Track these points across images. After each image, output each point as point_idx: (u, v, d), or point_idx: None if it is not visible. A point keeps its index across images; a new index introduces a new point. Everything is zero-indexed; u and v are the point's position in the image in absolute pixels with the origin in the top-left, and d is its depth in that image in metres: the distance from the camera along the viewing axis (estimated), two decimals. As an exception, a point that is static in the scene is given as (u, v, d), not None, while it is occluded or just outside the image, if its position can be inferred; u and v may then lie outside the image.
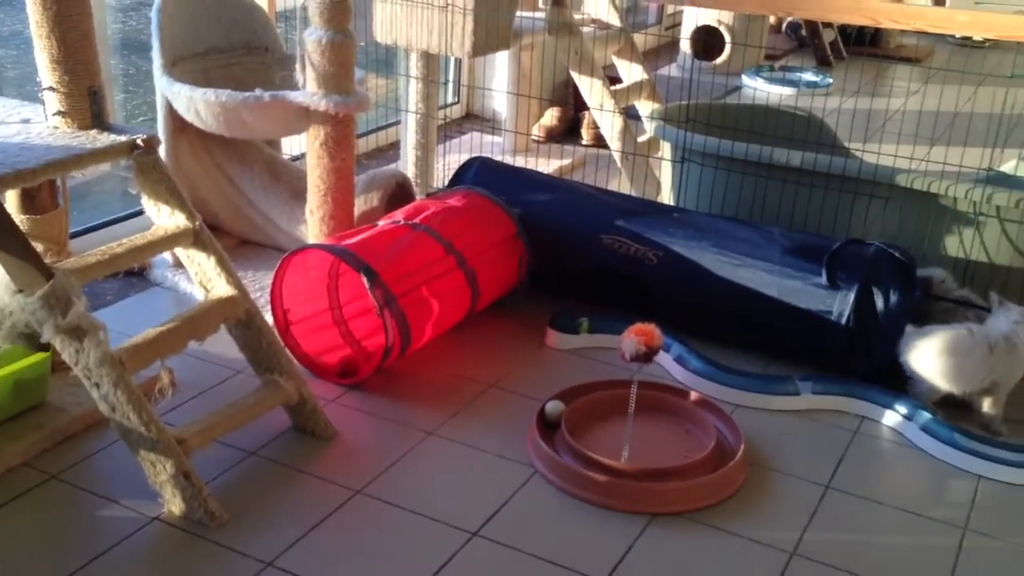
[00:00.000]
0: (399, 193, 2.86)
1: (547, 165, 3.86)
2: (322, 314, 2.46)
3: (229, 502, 1.93)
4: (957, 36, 6.23)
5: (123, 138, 2.02)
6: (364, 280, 2.22)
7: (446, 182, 3.03)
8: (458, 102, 4.68)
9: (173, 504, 1.88)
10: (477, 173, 2.93)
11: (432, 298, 2.39)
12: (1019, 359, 2.28)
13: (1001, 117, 2.74)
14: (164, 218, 2.08)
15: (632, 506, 1.99)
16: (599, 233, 2.70)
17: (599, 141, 4.02)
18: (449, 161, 3.74)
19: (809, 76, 5.60)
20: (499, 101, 4.43)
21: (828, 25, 6.10)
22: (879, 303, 2.39)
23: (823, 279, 2.43)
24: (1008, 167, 3.01)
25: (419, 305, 2.35)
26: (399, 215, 2.54)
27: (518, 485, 2.05)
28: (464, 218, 2.58)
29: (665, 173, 3.19)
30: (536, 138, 4.32)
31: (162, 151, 2.77)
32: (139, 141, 2.03)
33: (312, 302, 2.45)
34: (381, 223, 2.50)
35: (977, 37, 2.23)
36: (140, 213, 2.16)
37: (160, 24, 2.72)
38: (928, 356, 2.28)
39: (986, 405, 2.31)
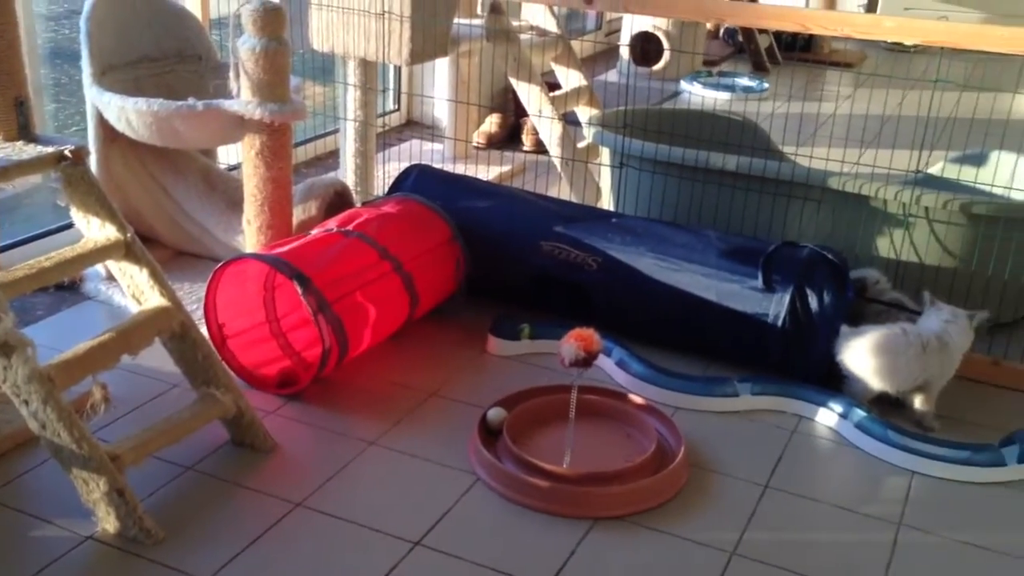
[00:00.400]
0: (338, 202, 2.84)
1: (488, 171, 3.87)
2: (259, 327, 2.43)
3: (166, 519, 1.89)
4: (888, 42, 6.38)
5: (50, 149, 1.98)
6: (297, 286, 2.20)
7: (386, 190, 3.02)
8: (398, 109, 4.67)
9: (107, 522, 1.84)
10: (416, 181, 2.93)
11: (368, 303, 2.37)
12: (950, 357, 2.34)
13: (928, 120, 2.81)
14: (94, 230, 2.04)
15: (574, 511, 2.00)
16: (539, 239, 2.71)
17: (540, 147, 4.04)
18: (389, 169, 3.72)
19: (745, 81, 5.69)
20: (440, 108, 4.43)
21: (763, 31, 6.20)
22: (813, 304, 2.43)
23: (759, 282, 2.47)
24: (936, 169, 3.09)
25: (355, 310, 2.33)
26: (332, 223, 2.52)
27: (460, 493, 2.05)
28: (398, 224, 2.57)
29: (605, 178, 3.22)
30: (477, 145, 4.32)
31: (93, 162, 2.73)
32: (67, 152, 1.99)
33: (249, 315, 2.42)
34: (314, 232, 2.49)
35: (907, 43, 2.29)
36: (72, 226, 2.11)
37: (88, 32, 2.67)
38: (863, 356, 2.33)
39: (919, 402, 2.37)
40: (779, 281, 2.46)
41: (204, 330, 2.43)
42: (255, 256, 2.35)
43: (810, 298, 2.43)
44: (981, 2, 6.96)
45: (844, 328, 2.38)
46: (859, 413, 2.30)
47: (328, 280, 2.29)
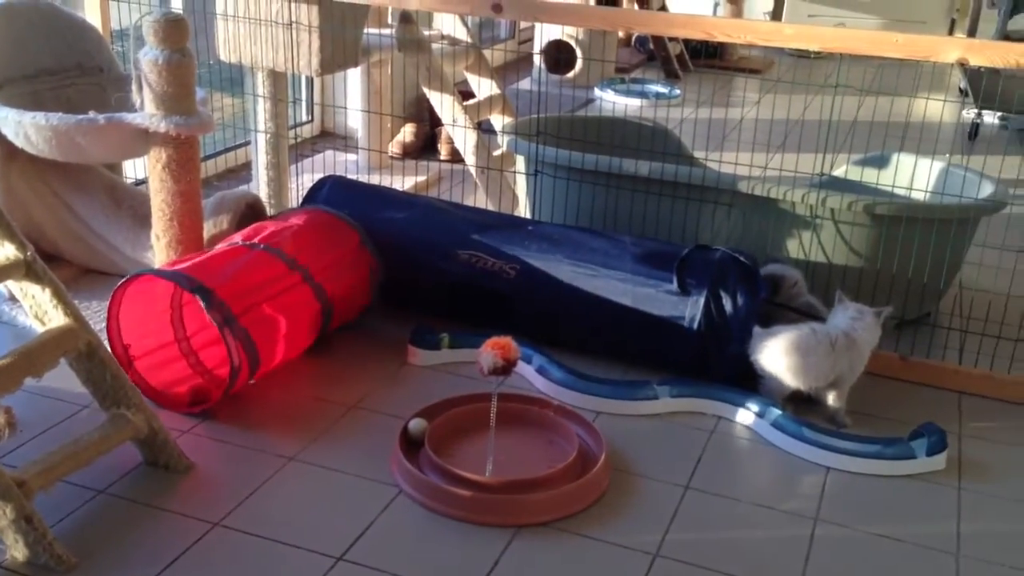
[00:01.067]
0: (250, 214, 2.79)
1: (404, 181, 3.85)
2: (168, 346, 2.37)
3: (78, 544, 1.83)
4: (792, 48, 6.56)
5: (-57, 166, 1.90)
6: (199, 300, 2.15)
7: (300, 202, 2.98)
8: (311, 120, 4.62)
9: (16, 550, 1.77)
10: (330, 192, 2.89)
11: (279, 315, 2.33)
12: (859, 354, 2.41)
13: (831, 124, 2.89)
14: (-7, 249, 1.96)
15: (498, 519, 1.99)
16: (455, 248, 2.71)
17: (456, 156, 4.04)
18: (304, 181, 3.67)
19: (658, 88, 5.78)
20: (354, 118, 4.40)
21: (674, 39, 6.32)
22: (727, 306, 2.47)
23: (674, 285, 2.51)
24: (840, 171, 3.18)
25: (264, 323, 2.29)
26: (237, 237, 2.48)
27: (383, 506, 2.03)
28: (306, 234, 2.54)
29: (520, 186, 3.23)
30: (393, 155, 4.30)
31: (-10, 179, 2.63)
32: (-39, 169, 1.91)
33: (156, 334, 2.36)
34: (219, 247, 2.44)
35: (810, 49, 2.36)
36: (-32, 245, 2.03)
37: (-17, 45, 2.58)
38: (775, 355, 2.38)
39: (831, 399, 2.43)
40: (693, 284, 2.50)
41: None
42: (156, 272, 2.29)
43: (724, 300, 2.48)
44: (879, 8, 7.22)
45: (756, 329, 2.43)
46: (775, 412, 2.35)
47: (233, 292, 2.24)
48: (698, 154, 3.39)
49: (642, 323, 2.54)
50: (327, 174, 3.06)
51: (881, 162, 3.16)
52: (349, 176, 3.18)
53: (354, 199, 2.84)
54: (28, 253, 1.97)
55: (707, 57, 6.63)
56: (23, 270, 1.97)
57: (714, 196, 2.84)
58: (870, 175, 3.13)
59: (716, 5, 7.22)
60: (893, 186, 2.90)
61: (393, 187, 3.19)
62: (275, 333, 2.33)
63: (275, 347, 2.34)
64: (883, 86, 5.50)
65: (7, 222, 1.97)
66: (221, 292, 2.20)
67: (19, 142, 2.53)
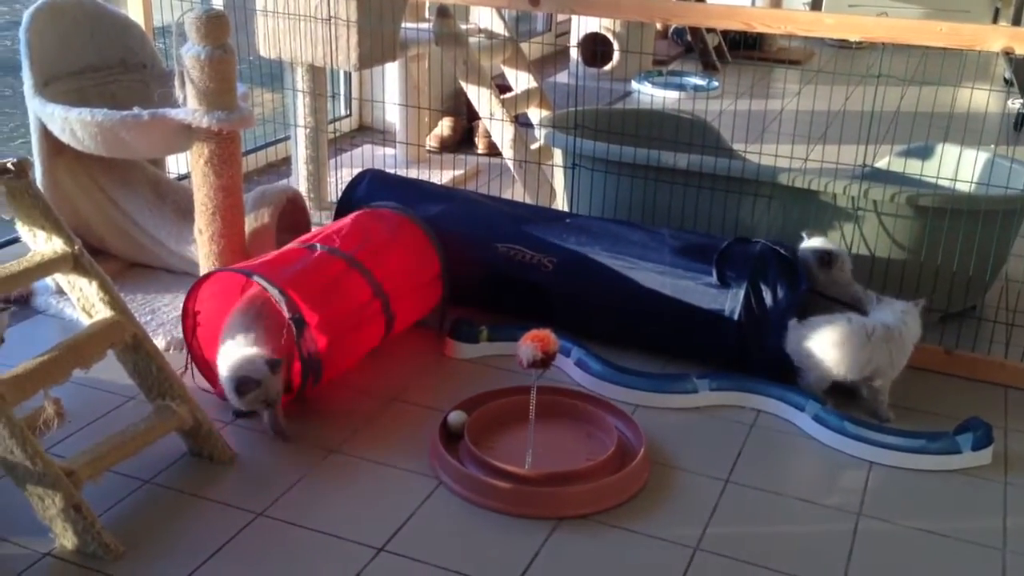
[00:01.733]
0: (290, 209, 2.82)
1: (442, 175, 3.86)
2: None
3: (125, 533, 1.86)
4: (833, 38, 6.47)
5: (-8, 162, 1.94)
6: (292, 328, 2.17)
7: (340, 196, 3.00)
8: (350, 115, 4.64)
9: (65, 538, 1.80)
10: (369, 186, 2.91)
11: (350, 343, 2.36)
12: (900, 347, 2.38)
13: (873, 115, 2.85)
14: (41, 243, 2.00)
15: (537, 512, 2.00)
16: (494, 242, 2.71)
17: (493, 150, 4.04)
18: (343, 175, 3.70)
19: (696, 80, 5.74)
20: (392, 112, 4.41)
21: (712, 30, 6.27)
22: (768, 299, 2.46)
23: (713, 278, 2.49)
24: (883, 163, 3.14)
25: (336, 351, 2.31)
26: (338, 241, 2.44)
27: (423, 498, 2.04)
28: (395, 258, 2.52)
29: (558, 179, 3.23)
30: (430, 148, 4.31)
31: (38, 174, 2.68)
32: (9, 165, 1.95)
33: (219, 318, 2.38)
34: (319, 247, 2.41)
35: (853, 39, 2.33)
36: (19, 239, 2.07)
37: (29, 43, 2.62)
38: (810, 347, 2.36)
39: (872, 393, 2.40)
40: (733, 277, 2.49)
41: (159, 341, 2.40)
42: (262, 276, 2.22)
43: (764, 293, 2.46)
44: (922, -2, 7.11)
45: (792, 322, 2.41)
46: (816, 406, 2.33)
47: (322, 321, 2.25)
48: (737, 146, 3.37)
49: (681, 316, 2.53)
50: (365, 168, 3.08)
51: (925, 153, 3.12)
52: (387, 170, 3.20)
53: (392, 193, 2.85)
54: (76, 247, 2.01)
55: (746, 48, 6.57)
56: (71, 263, 2.00)
57: (754, 188, 2.81)
58: (913, 166, 3.08)
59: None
60: (937, 177, 2.85)
61: (431, 181, 3.20)
62: (341, 359, 2.35)
63: (334, 369, 2.36)
64: (927, 76, 5.42)
65: (55, 217, 2.00)
66: (312, 321, 2.21)
67: (65, 138, 2.57)
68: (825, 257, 2.55)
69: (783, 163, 2.88)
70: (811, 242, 2.60)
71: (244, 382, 2.10)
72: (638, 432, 2.22)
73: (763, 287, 2.46)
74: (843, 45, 6.77)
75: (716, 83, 5.67)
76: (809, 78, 5.80)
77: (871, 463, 2.23)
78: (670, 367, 2.58)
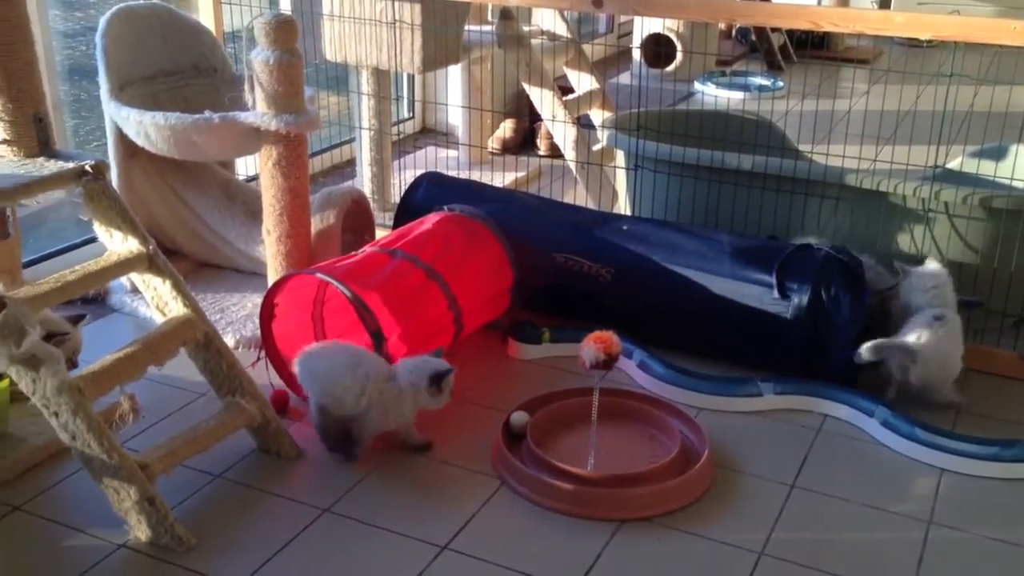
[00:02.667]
0: (355, 210, 2.85)
1: (504, 177, 3.88)
2: (303, 329, 2.44)
3: (196, 526, 1.91)
4: (902, 36, 6.35)
5: (71, 165, 2.00)
6: (372, 343, 2.19)
7: (399, 199, 3.02)
8: (413, 117, 4.69)
9: (139, 530, 1.85)
10: (427, 190, 2.93)
11: (420, 352, 2.37)
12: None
13: (945, 115, 2.79)
14: (117, 243, 2.06)
15: (600, 513, 2.00)
16: (551, 251, 2.70)
17: (555, 151, 4.04)
18: (406, 176, 3.73)
19: (760, 80, 5.68)
20: (454, 114, 4.45)
21: (777, 30, 6.19)
22: (831, 309, 2.41)
23: (774, 290, 2.45)
24: (954, 164, 3.07)
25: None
26: (418, 252, 2.45)
27: (486, 497, 2.05)
28: (473, 270, 2.54)
29: (620, 181, 3.22)
30: (493, 150, 4.33)
31: (113, 176, 2.76)
32: (87, 167, 2.01)
33: (295, 315, 2.42)
34: (400, 253, 2.42)
35: (923, 37, 2.28)
36: (95, 240, 2.13)
37: (104, 49, 2.69)
38: (945, 357, 2.36)
39: (945, 390, 2.37)
40: (794, 288, 2.44)
41: (229, 339, 2.45)
42: (343, 284, 2.24)
43: (827, 303, 2.41)
44: (994, -5, 6.94)
45: (909, 343, 2.35)
46: (885, 411, 2.29)
47: (400, 336, 2.27)
48: (803, 147, 3.32)
49: (742, 328, 2.50)
50: (428, 170, 3.10)
51: (998, 154, 3.04)
52: (450, 172, 3.22)
53: (449, 196, 2.85)
54: (150, 247, 2.06)
55: (812, 47, 6.47)
56: (146, 263, 2.06)
57: (820, 190, 2.77)
58: (987, 167, 3.01)
59: (821, -4, 7.03)
60: (1011, 178, 2.79)
61: (492, 183, 3.21)
62: None
63: None
64: (1000, 75, 5.29)
65: (131, 218, 2.06)
66: (391, 335, 2.24)
67: (140, 141, 2.64)
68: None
69: (851, 164, 2.83)
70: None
71: (441, 374, 2.11)
72: (701, 435, 2.21)
73: (826, 297, 2.41)
74: (913, 44, 6.63)
75: (781, 83, 5.61)
76: (878, 77, 5.70)
77: (942, 470, 2.18)
78: (732, 371, 2.55)
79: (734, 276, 2.52)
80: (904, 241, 2.72)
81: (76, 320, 2.17)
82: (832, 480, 2.15)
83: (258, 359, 2.36)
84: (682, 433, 2.23)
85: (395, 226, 2.81)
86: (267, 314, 2.34)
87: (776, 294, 2.45)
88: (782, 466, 2.19)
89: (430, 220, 2.64)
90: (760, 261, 2.52)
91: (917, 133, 3.01)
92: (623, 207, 3.21)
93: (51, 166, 2.00)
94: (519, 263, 2.67)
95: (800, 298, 2.43)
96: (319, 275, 2.29)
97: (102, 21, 2.73)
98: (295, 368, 2.17)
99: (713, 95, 5.45)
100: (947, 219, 2.66)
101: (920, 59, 6.19)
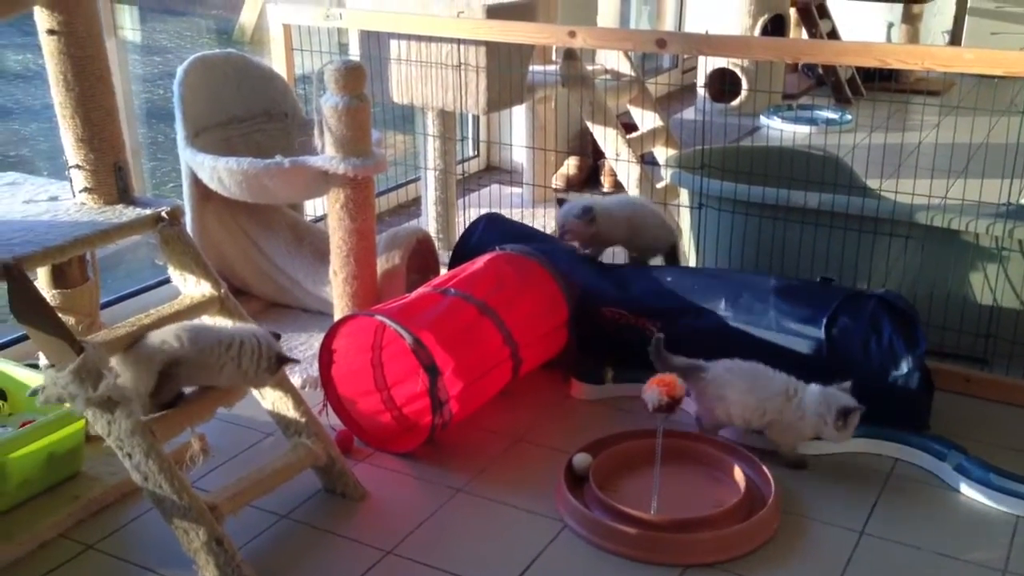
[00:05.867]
0: (420, 249, 2.90)
1: (568, 215, 3.89)
2: (364, 372, 2.47)
3: (263, 566, 1.94)
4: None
5: (148, 211, 2.07)
6: (427, 378, 2.22)
7: (456, 241, 3.04)
8: (478, 155, 4.74)
9: (207, 571, 1.88)
10: (483, 233, 2.95)
11: (479, 389, 2.39)
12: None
13: (1018, 148, 2.73)
14: (190, 287, 2.12)
15: (664, 558, 1.98)
16: (600, 305, 2.68)
17: (619, 188, 4.05)
18: (470, 215, 3.77)
19: (828, 114, 5.62)
20: (519, 152, 4.49)
21: (844, 62, 6.13)
22: (883, 360, 2.36)
23: (822, 340, 2.42)
24: (1029, 199, 3.00)
25: (466, 399, 2.34)
26: (471, 290, 2.47)
27: (548, 540, 2.05)
28: (527, 304, 2.55)
29: (684, 219, 3.21)
30: (556, 188, 4.36)
31: (188, 220, 2.84)
32: (163, 214, 2.08)
33: (356, 358, 2.46)
34: (453, 291, 2.45)
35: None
36: (169, 280, 2.20)
37: (182, 97, 2.79)
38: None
39: None
40: (842, 340, 2.40)
41: (296, 379, 2.50)
42: (396, 322, 2.27)
43: (878, 354, 2.36)
44: (1070, 24, 6.77)
45: None
46: (958, 456, 2.23)
47: (456, 370, 2.29)
48: (872, 183, 3.28)
49: (802, 375, 2.45)
50: (492, 208, 3.13)
51: (1075, 189, 2.96)
52: (514, 209, 3.24)
53: (505, 240, 2.87)
54: (222, 291, 2.12)
55: (881, 80, 6.38)
56: (217, 306, 2.12)
57: (889, 228, 2.73)
58: (1063, 203, 2.93)
59: (890, 26, 6.95)
60: (1089, 215, 2.71)
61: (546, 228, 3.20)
62: (469, 406, 2.39)
63: (465, 412, 2.40)
64: (1077, 105, 5.14)
65: (203, 262, 2.12)
66: (446, 369, 2.26)
67: (213, 185, 2.72)
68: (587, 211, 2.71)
69: (920, 200, 2.78)
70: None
71: (850, 410, 2.20)
72: (767, 478, 2.18)
73: (876, 348, 2.36)
74: (985, 75, 6.50)
75: (849, 116, 5.54)
76: (949, 109, 5.59)
77: (1018, 517, 2.12)
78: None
79: (781, 329, 2.48)
80: (977, 281, 2.66)
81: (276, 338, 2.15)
82: (903, 527, 2.10)
83: (323, 408, 2.39)
84: (747, 476, 2.20)
85: (450, 268, 2.84)
86: (326, 360, 2.38)
87: (825, 347, 2.40)
88: (851, 512, 2.14)
89: (482, 260, 2.67)
90: (809, 309, 2.47)
91: (990, 167, 2.95)
92: (687, 246, 3.20)
93: (129, 213, 2.07)
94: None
95: (848, 346, 2.38)
96: (372, 315, 2.32)
97: (180, 70, 2.83)
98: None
99: (779, 129, 5.41)
100: (1022, 258, 2.59)
101: (993, 91, 6.06)
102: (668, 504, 2.11)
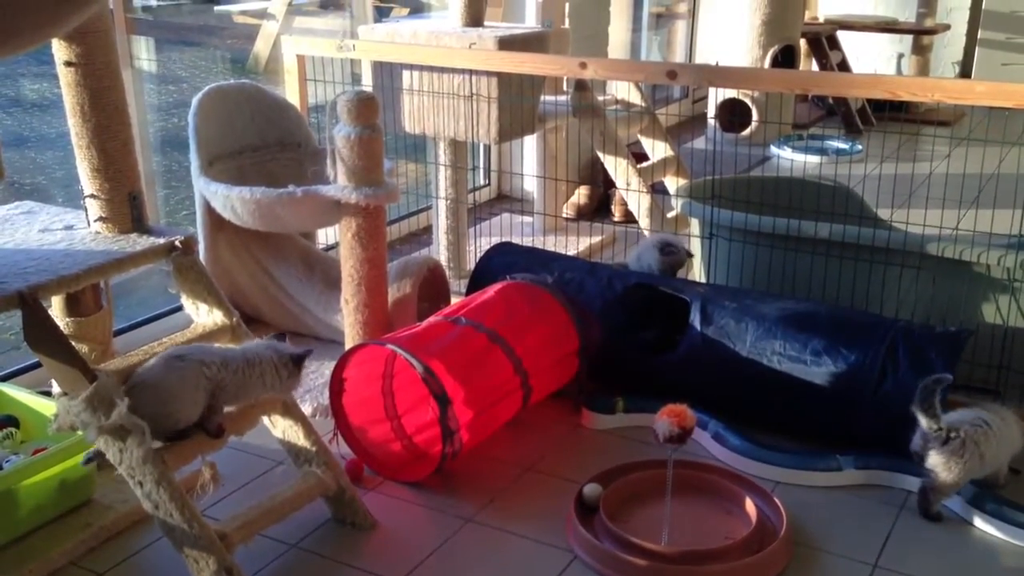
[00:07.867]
0: (431, 278, 2.91)
1: (578, 242, 3.91)
2: (374, 401, 2.48)
3: (270, 597, 1.94)
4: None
5: (161, 241, 2.09)
6: (437, 407, 2.23)
7: (472, 271, 3.05)
8: (489, 184, 4.76)
9: (216, 600, 1.89)
10: (497, 263, 2.95)
11: (489, 417, 2.39)
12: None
13: (1030, 181, 2.73)
14: (203, 315, 2.14)
15: (674, 590, 1.97)
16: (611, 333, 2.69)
17: (629, 217, 4.06)
18: (481, 244, 3.79)
19: (838, 144, 5.63)
20: (530, 181, 4.51)
21: (853, 92, 6.15)
22: (900, 386, 2.35)
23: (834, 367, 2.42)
24: (1041, 230, 2.99)
25: (476, 429, 2.35)
26: (480, 319, 2.47)
27: (558, 571, 2.04)
28: (538, 333, 2.55)
29: (695, 248, 3.21)
30: (567, 216, 4.37)
31: (201, 248, 2.86)
32: (177, 243, 2.09)
33: (365, 388, 2.47)
34: (463, 320, 2.46)
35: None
36: (182, 308, 2.21)
37: (196, 127, 2.81)
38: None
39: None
40: (856, 376, 2.40)
41: (307, 407, 2.50)
42: (405, 351, 2.28)
43: (896, 380, 2.36)
44: (1082, 55, 6.78)
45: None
46: (971, 488, 2.22)
47: (466, 399, 2.29)
48: (882, 213, 3.28)
49: (812, 407, 2.46)
50: (503, 237, 3.14)
51: (1087, 220, 2.95)
52: (524, 238, 3.25)
53: (516, 267, 2.88)
54: (234, 319, 2.13)
55: (891, 110, 6.39)
56: (229, 334, 2.13)
57: (900, 259, 2.73)
58: (1075, 234, 2.92)
59: (900, 57, 6.98)
60: (1101, 247, 2.70)
61: (566, 249, 3.22)
62: (478, 435, 2.39)
63: (475, 440, 2.40)
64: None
65: (216, 290, 2.13)
66: (456, 398, 2.27)
67: (226, 214, 2.74)
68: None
69: (931, 231, 2.78)
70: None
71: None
72: (779, 511, 2.17)
73: (891, 375, 2.36)
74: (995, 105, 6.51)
75: (860, 146, 5.55)
76: (959, 140, 5.60)
77: (1033, 551, 2.10)
78: (808, 444, 2.50)
79: (793, 359, 2.47)
80: (989, 311, 2.65)
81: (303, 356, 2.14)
82: (916, 560, 2.08)
83: (333, 436, 2.39)
84: (759, 508, 2.19)
85: (469, 291, 2.85)
86: (337, 388, 2.39)
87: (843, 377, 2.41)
88: (864, 544, 2.13)
89: (492, 289, 2.67)
90: (824, 341, 2.46)
91: (1001, 198, 2.95)
92: (698, 275, 3.20)
93: (143, 242, 2.09)
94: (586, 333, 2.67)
95: (865, 380, 2.37)
96: (383, 344, 2.33)
97: (194, 101, 2.86)
98: None
99: (789, 159, 5.42)
100: (1033, 289, 2.59)
101: (1004, 121, 6.07)
102: (679, 536, 2.10)
